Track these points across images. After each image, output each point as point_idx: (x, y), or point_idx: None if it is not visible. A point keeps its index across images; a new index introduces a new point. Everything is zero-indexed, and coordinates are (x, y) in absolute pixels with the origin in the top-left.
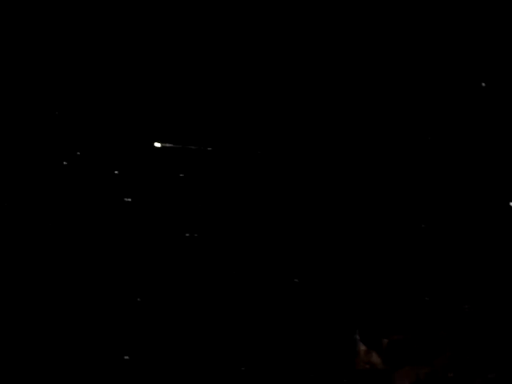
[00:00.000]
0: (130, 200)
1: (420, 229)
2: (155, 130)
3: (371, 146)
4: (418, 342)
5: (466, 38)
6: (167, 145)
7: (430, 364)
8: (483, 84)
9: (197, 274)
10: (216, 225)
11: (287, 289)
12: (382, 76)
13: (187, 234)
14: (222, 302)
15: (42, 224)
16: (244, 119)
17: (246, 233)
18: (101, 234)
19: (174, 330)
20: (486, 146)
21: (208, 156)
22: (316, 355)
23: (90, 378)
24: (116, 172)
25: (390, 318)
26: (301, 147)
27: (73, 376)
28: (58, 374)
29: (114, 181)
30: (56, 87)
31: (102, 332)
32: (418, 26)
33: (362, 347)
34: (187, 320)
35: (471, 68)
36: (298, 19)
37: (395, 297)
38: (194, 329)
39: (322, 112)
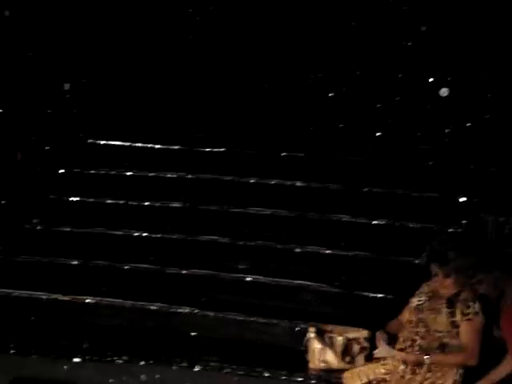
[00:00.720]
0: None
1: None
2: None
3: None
4: (374, 340)
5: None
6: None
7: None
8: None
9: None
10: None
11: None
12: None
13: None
14: None
15: None
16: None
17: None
18: None
19: None
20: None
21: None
22: (270, 353)
23: None
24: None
25: (345, 317)
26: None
27: None
28: None
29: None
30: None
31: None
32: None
33: (317, 345)
34: None
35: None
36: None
37: (351, 294)
38: None
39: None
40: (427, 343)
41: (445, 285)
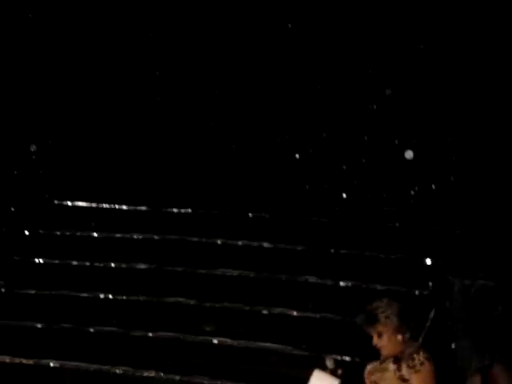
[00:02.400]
0: None
1: None
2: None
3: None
4: None
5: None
6: None
7: None
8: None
9: None
10: None
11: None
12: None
13: None
14: None
15: None
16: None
17: None
18: None
19: None
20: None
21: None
22: None
23: None
24: None
25: None
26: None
27: None
28: None
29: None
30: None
31: None
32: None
33: None
34: None
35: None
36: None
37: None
38: None
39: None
40: None
41: (382, 345)
